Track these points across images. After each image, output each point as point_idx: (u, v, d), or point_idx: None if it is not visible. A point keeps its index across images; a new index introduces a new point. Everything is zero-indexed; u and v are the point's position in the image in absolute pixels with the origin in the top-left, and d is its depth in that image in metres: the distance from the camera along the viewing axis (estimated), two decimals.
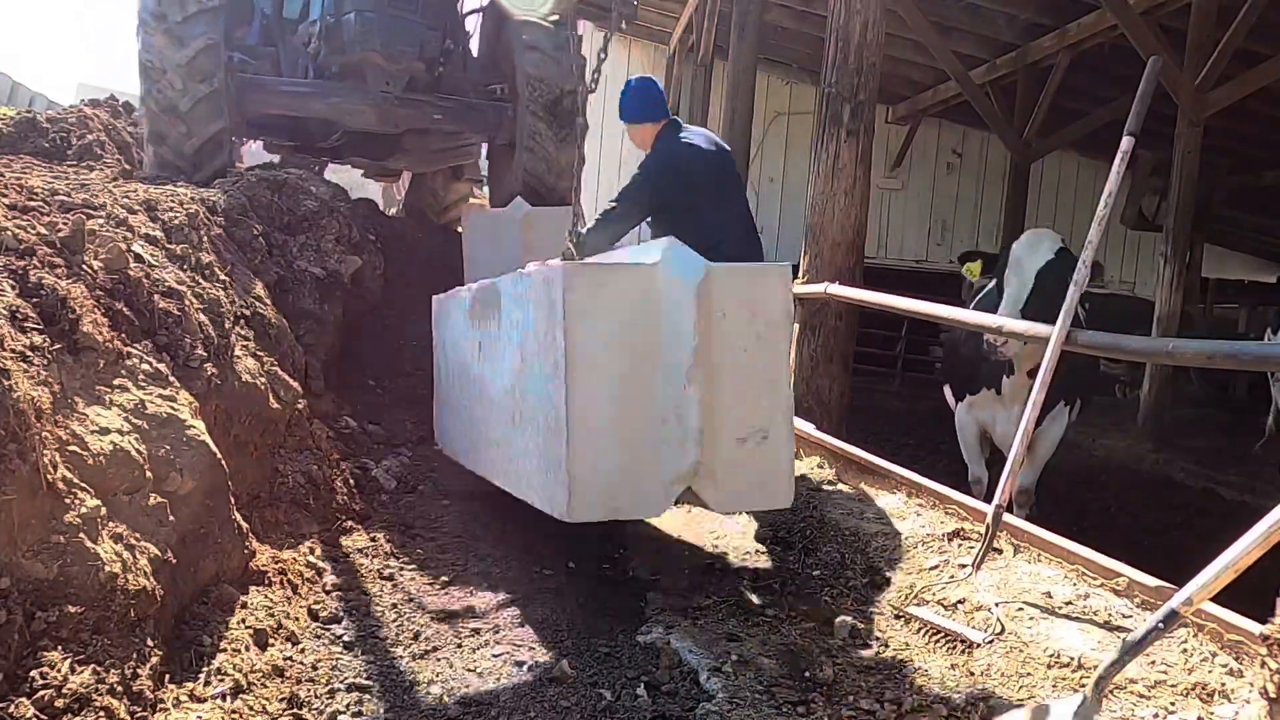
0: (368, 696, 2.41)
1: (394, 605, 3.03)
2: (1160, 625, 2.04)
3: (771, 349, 2.90)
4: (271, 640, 2.53)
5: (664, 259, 2.83)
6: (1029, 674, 2.37)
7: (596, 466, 2.73)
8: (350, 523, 3.54)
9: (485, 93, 6.96)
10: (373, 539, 3.51)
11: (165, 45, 5.63)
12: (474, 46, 7.57)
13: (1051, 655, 2.40)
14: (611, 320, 2.73)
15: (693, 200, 3.88)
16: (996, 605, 2.70)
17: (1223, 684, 2.15)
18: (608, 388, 2.73)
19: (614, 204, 3.93)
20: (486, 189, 9.20)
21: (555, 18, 4.03)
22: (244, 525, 2.83)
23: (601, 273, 2.83)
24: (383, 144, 7.29)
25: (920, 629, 2.78)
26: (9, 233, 2.42)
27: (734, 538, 3.70)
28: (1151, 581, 2.63)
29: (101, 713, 1.82)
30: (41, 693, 1.76)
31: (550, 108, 6.45)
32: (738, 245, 3.93)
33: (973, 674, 2.45)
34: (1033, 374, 4.60)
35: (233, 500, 2.76)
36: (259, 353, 3.56)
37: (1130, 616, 2.57)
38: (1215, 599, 2.13)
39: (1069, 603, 2.67)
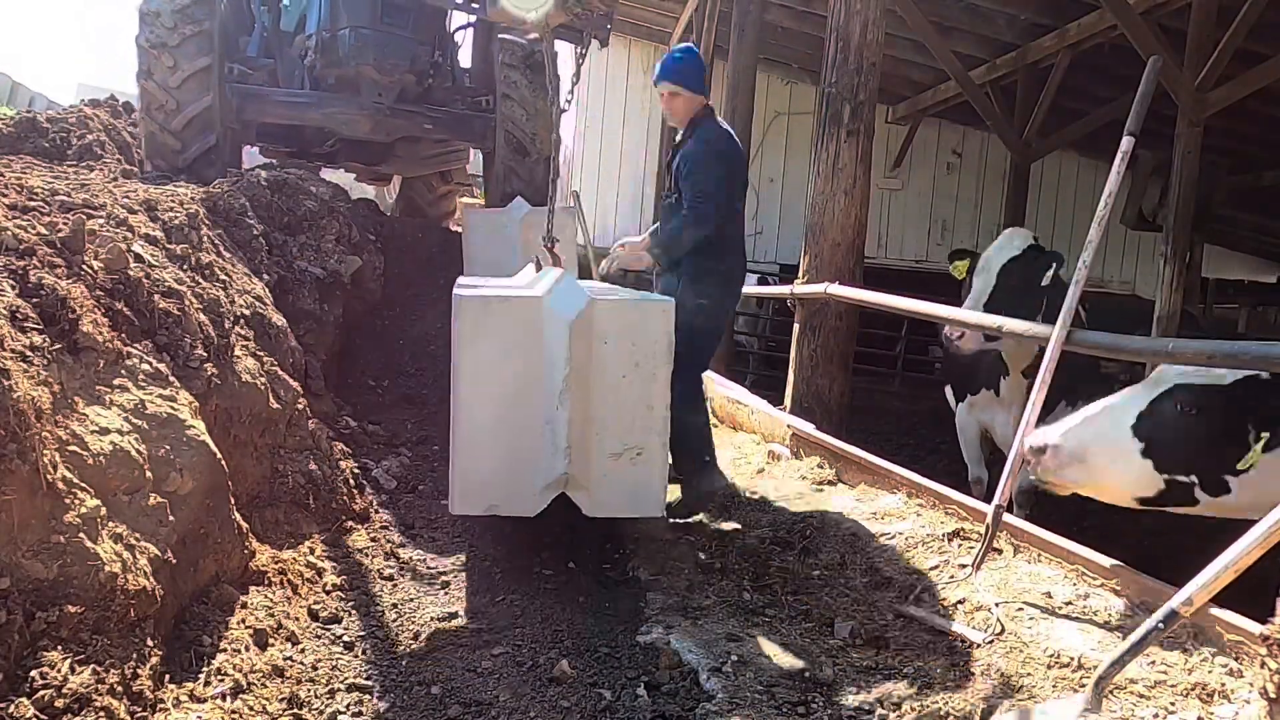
0: (368, 696, 2.41)
1: (394, 605, 3.03)
2: (1160, 625, 2.04)
3: (649, 376, 3.17)
4: (271, 640, 2.53)
5: (550, 292, 3.12)
6: (1029, 674, 2.37)
7: (478, 470, 3.09)
8: (350, 523, 3.54)
9: (472, 104, 7.21)
10: (373, 539, 3.51)
11: None
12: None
13: (1051, 655, 2.40)
14: (497, 345, 3.06)
15: (733, 193, 3.98)
16: (996, 605, 2.70)
17: (1223, 684, 2.15)
18: (491, 403, 3.07)
19: (699, 209, 3.79)
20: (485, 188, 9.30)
21: (541, 30, 4.15)
22: (244, 525, 2.82)
23: (491, 303, 3.11)
24: (375, 151, 7.67)
25: (920, 629, 2.78)
26: (9, 233, 2.42)
27: (734, 538, 3.70)
28: (1151, 581, 2.63)
29: (101, 713, 1.82)
30: (41, 693, 1.76)
31: (525, 59, 6.82)
32: (742, 246, 4.12)
33: (973, 674, 2.45)
34: (1028, 373, 4.67)
35: (233, 500, 2.76)
36: (259, 353, 3.55)
37: (1130, 616, 2.56)
38: (1215, 599, 2.13)
39: (1069, 603, 2.67)
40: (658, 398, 3.19)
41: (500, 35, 6.87)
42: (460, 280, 3.77)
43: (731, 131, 4.13)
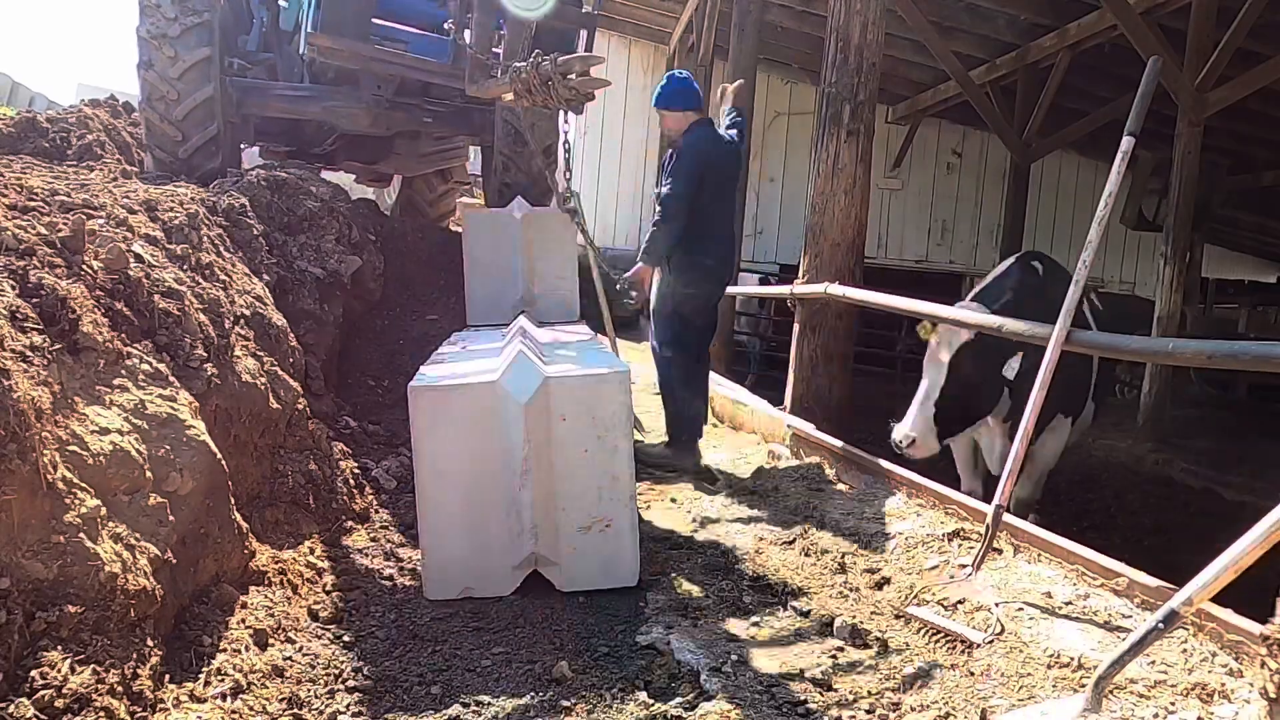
0: (368, 696, 2.41)
1: (394, 605, 3.03)
2: (1160, 625, 2.04)
3: (611, 449, 3.17)
4: (271, 640, 2.53)
5: (502, 376, 3.15)
6: (1029, 674, 2.37)
7: (447, 555, 3.11)
8: (350, 523, 3.54)
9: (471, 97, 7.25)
10: (373, 539, 3.51)
11: None
12: None
13: (1051, 655, 2.40)
14: (454, 432, 3.08)
15: (706, 195, 4.51)
16: (996, 605, 2.70)
17: (1223, 684, 2.15)
18: (454, 489, 3.10)
19: (665, 207, 4.51)
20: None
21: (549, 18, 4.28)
22: (244, 525, 2.82)
23: (445, 392, 3.13)
24: (375, 147, 7.67)
25: (920, 629, 2.78)
26: (9, 233, 2.42)
27: (734, 539, 3.70)
28: (1151, 581, 2.63)
29: (101, 713, 1.82)
30: (41, 693, 1.76)
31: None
32: (726, 240, 4.75)
33: (973, 674, 2.45)
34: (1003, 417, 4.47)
35: (233, 500, 2.76)
36: (259, 353, 3.55)
37: (1130, 616, 2.57)
38: (1215, 599, 2.13)
39: (1069, 603, 2.67)
40: (622, 469, 3.17)
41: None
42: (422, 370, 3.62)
43: (722, 135, 4.73)
